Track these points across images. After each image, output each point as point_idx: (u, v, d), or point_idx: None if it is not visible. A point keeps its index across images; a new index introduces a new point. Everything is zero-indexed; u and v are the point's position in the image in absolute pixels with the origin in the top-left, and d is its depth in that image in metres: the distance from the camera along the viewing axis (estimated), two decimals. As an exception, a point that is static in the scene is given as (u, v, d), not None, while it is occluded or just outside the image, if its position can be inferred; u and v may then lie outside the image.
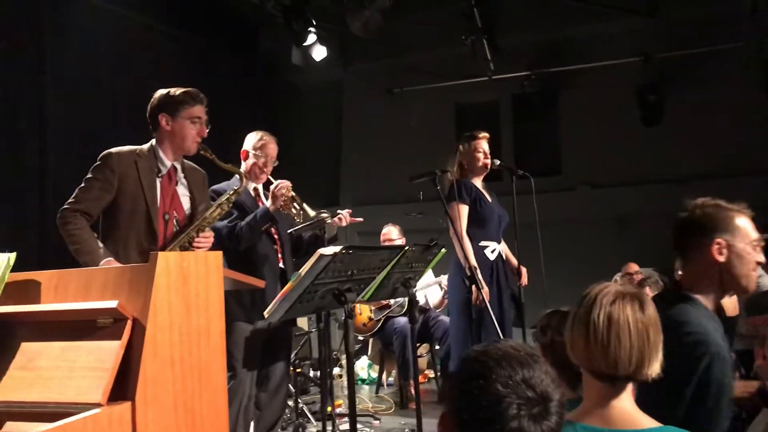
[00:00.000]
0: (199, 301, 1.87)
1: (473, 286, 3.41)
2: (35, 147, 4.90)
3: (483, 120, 7.72)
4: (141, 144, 3.29)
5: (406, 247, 3.00)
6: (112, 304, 1.68)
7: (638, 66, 7.02)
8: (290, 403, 4.95)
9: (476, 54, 7.14)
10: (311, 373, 5.92)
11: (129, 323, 1.69)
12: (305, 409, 4.82)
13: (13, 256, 1.86)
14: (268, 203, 3.62)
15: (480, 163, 4.11)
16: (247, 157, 3.83)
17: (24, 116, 4.85)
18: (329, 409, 4.96)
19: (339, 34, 7.44)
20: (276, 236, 3.78)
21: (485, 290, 3.67)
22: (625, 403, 1.62)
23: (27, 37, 4.94)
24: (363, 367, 6.30)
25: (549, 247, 4.52)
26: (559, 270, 4.82)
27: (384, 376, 5.99)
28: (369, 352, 6.15)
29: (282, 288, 3.70)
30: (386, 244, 5.72)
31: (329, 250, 2.41)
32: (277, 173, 3.87)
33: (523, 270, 4.21)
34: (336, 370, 6.25)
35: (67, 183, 4.75)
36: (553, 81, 7.44)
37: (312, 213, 3.63)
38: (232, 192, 3.21)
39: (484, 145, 4.13)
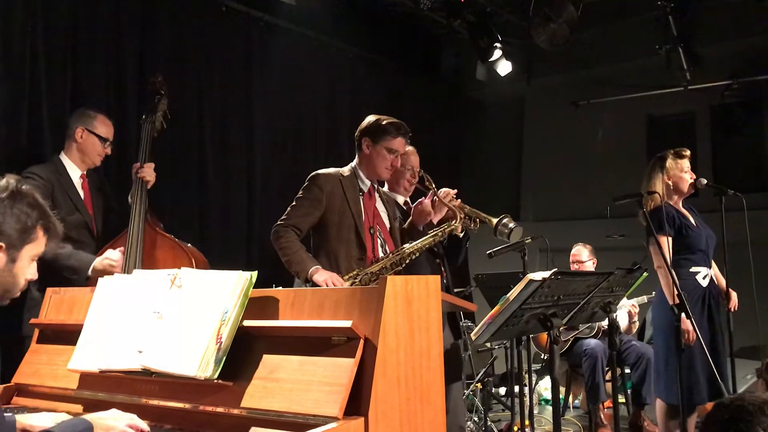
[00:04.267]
0: (421, 323, 1.95)
1: (682, 314, 3.22)
2: (243, 167, 5.32)
3: (677, 133, 7.32)
4: (338, 165, 3.51)
5: (613, 272, 2.91)
6: (346, 323, 1.79)
7: None
8: (476, 419, 4.97)
9: (671, 63, 6.76)
10: (494, 390, 5.91)
11: (361, 342, 1.79)
12: (493, 426, 4.81)
13: (254, 274, 2.03)
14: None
15: (687, 183, 3.89)
16: None
17: (235, 139, 5.29)
18: (516, 428, 4.93)
19: (523, 48, 7.39)
20: (435, 248, 3.75)
21: (689, 327, 3.47)
22: None
23: (237, 66, 5.39)
24: (547, 387, 6.17)
25: (756, 269, 4.20)
26: (765, 295, 4.44)
27: (570, 398, 5.83)
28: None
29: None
30: (575, 265, 5.57)
31: (538, 275, 2.40)
32: (460, 187, 3.82)
33: (733, 294, 3.93)
34: (516, 388, 6.17)
35: (272, 201, 5.17)
36: (758, 90, 6.88)
37: (494, 220, 3.57)
38: (449, 227, 3.34)
39: (688, 163, 3.92)
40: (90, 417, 1.85)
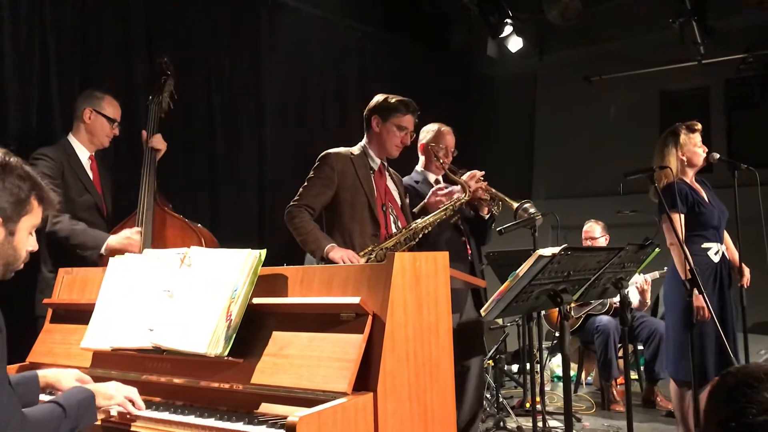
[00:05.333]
0: (429, 300, 1.95)
1: (694, 290, 3.20)
2: (253, 147, 5.31)
3: (691, 108, 7.22)
4: (348, 143, 3.51)
5: (624, 247, 2.89)
6: (355, 300, 1.80)
7: None
8: (488, 395, 4.99)
9: (684, 37, 6.66)
10: (506, 367, 5.93)
11: (370, 318, 1.79)
12: (505, 403, 4.83)
13: (263, 252, 2.04)
14: (457, 191, 3.58)
15: (701, 158, 3.85)
16: (424, 150, 3.86)
17: (244, 119, 5.27)
18: (528, 405, 4.95)
19: (534, 24, 7.30)
20: (462, 227, 3.77)
21: (702, 303, 3.45)
22: None
23: (246, 46, 5.36)
24: (559, 364, 6.18)
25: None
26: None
27: (583, 375, 5.83)
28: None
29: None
30: (588, 242, 5.55)
31: (548, 251, 2.39)
32: (471, 165, 3.83)
33: (746, 270, 3.89)
34: (528, 365, 6.18)
35: (282, 182, 5.17)
36: (775, 64, 6.76)
37: (515, 204, 3.58)
38: (458, 201, 3.38)
39: (699, 137, 3.88)
40: (92, 386, 1.90)
